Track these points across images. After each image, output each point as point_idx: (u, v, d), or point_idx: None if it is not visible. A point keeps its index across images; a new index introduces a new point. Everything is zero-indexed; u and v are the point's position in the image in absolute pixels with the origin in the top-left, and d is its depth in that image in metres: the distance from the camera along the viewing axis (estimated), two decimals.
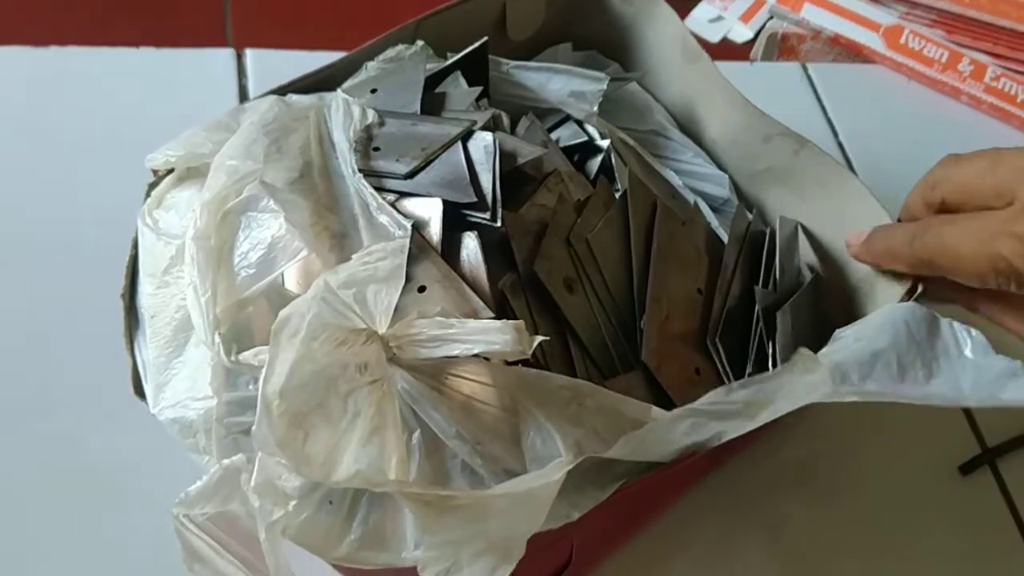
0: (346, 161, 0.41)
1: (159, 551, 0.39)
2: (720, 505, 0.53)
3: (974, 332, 0.41)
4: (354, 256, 0.35)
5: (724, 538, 0.52)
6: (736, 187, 0.56)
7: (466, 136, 0.45)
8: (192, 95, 0.65)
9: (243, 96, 0.65)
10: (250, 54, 0.68)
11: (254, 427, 0.32)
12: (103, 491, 0.48)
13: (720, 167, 0.57)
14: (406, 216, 0.40)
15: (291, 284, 0.40)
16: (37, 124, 0.62)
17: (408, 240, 0.37)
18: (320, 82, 0.50)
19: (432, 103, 0.49)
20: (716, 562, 0.52)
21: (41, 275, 0.55)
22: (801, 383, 0.40)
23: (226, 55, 0.68)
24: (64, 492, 0.48)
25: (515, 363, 0.38)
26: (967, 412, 0.61)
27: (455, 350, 0.34)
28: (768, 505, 0.54)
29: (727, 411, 0.39)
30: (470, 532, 0.34)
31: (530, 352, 0.34)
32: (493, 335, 0.33)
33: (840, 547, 0.54)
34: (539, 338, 0.34)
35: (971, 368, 0.39)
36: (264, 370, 0.32)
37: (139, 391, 0.41)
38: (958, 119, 0.78)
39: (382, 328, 0.34)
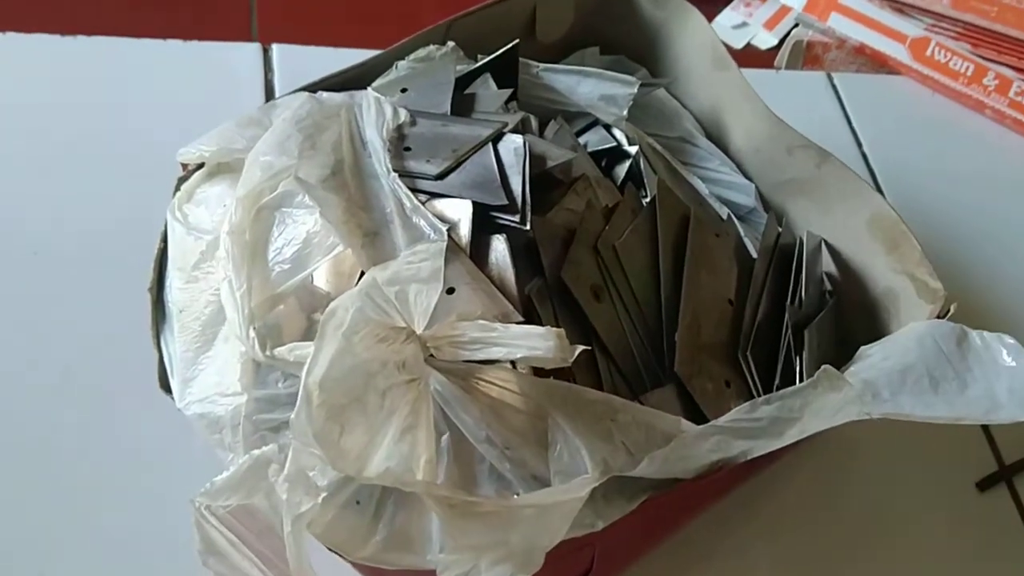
0: (380, 160, 0.41)
1: (174, 545, 0.39)
2: (741, 518, 0.53)
3: (1007, 338, 0.40)
4: (401, 254, 0.35)
5: (742, 551, 0.52)
6: (760, 196, 0.56)
7: (497, 138, 0.45)
8: (218, 89, 0.65)
9: (269, 91, 0.65)
10: (276, 49, 0.68)
11: (292, 416, 0.32)
12: (123, 484, 0.48)
13: (745, 176, 0.57)
14: (436, 217, 0.40)
15: (320, 282, 0.40)
16: (61, 114, 0.62)
17: (445, 243, 0.36)
18: (350, 80, 0.50)
19: (462, 104, 0.49)
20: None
21: (68, 268, 0.55)
22: (829, 401, 0.39)
23: (253, 49, 0.68)
24: (84, 484, 0.48)
25: (544, 373, 0.38)
26: (985, 429, 0.60)
27: (497, 354, 0.34)
28: (787, 519, 0.54)
29: (753, 429, 0.39)
30: (492, 539, 0.34)
31: (571, 361, 0.34)
32: (535, 341, 0.33)
33: (856, 560, 0.54)
34: (580, 347, 0.34)
35: (1007, 375, 0.39)
36: (308, 360, 0.32)
37: (165, 385, 0.41)
38: (982, 132, 0.77)
39: (420, 328, 0.34)
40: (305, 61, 0.67)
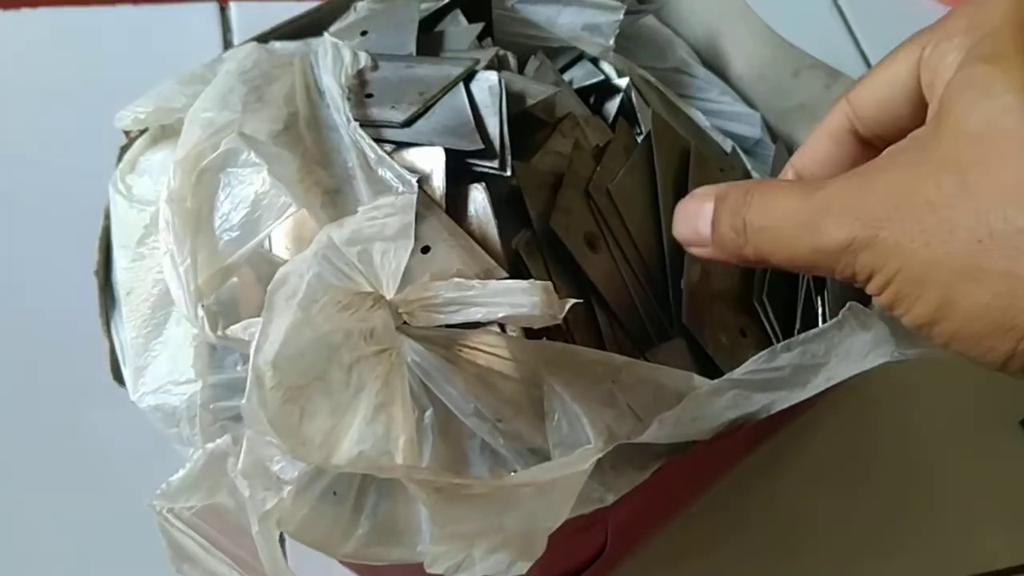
0: (338, 109, 0.36)
1: (146, 550, 0.35)
2: (764, 479, 0.49)
3: None
4: (360, 210, 0.31)
5: (769, 512, 0.48)
6: (766, 126, 0.52)
7: (468, 77, 0.40)
8: (174, 53, 0.60)
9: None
10: (234, 7, 0.63)
11: (243, 401, 0.28)
12: (84, 486, 0.44)
13: (748, 105, 0.52)
14: (405, 168, 0.36)
15: (279, 249, 0.36)
16: (5, 86, 0.58)
17: (415, 196, 0.32)
18: (305, 27, 0.45)
19: (429, 44, 0.44)
20: (770, 543, 0.48)
21: (8, 250, 0.51)
22: (857, 342, 0.35)
23: (210, 9, 0.63)
24: (43, 489, 0.44)
25: (536, 334, 0.34)
26: None
27: (476, 314, 0.30)
28: (814, 477, 0.50)
29: (774, 380, 0.35)
30: (486, 524, 0.30)
31: (561, 317, 0.30)
32: (519, 297, 0.29)
33: (898, 502, 0.50)
34: (571, 301, 0.30)
35: None
36: (256, 336, 0.27)
37: (117, 376, 0.37)
38: None
39: (389, 293, 0.29)
40: (266, 18, 0.61)
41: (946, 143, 0.25)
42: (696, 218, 0.31)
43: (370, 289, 0.30)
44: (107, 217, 0.39)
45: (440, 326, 0.31)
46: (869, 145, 0.32)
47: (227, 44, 0.61)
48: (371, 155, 0.36)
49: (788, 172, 0.35)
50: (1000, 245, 0.23)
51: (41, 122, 0.57)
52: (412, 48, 0.42)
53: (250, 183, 0.33)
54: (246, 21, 0.62)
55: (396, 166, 0.35)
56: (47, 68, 0.60)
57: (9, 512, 0.44)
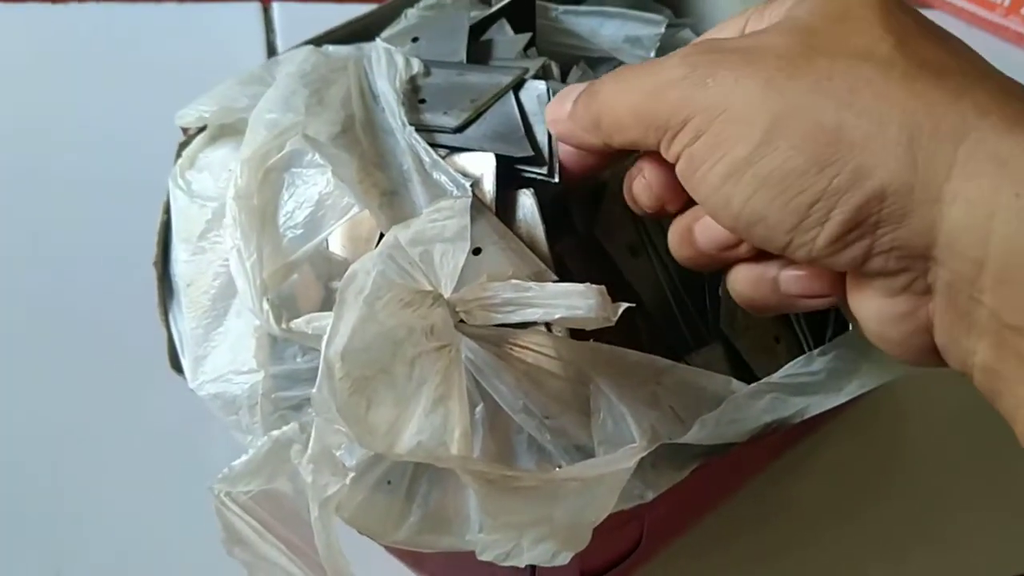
0: (394, 114, 0.38)
1: (197, 533, 0.37)
2: (790, 480, 0.50)
3: None
4: (424, 212, 0.32)
5: (795, 515, 0.49)
6: None
7: (518, 85, 0.42)
8: (217, 52, 0.62)
9: (271, 52, 0.62)
10: (277, 8, 0.65)
11: (314, 391, 0.30)
12: (139, 470, 0.46)
13: None
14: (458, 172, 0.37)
15: (336, 247, 0.37)
16: (57, 85, 0.60)
17: (470, 199, 0.33)
18: (356, 32, 0.47)
19: (477, 52, 0.46)
20: (790, 541, 0.49)
21: (69, 243, 0.53)
22: None
23: (253, 9, 0.64)
24: (99, 472, 0.46)
25: (582, 336, 0.35)
26: None
27: (533, 315, 0.31)
28: (842, 479, 0.51)
29: (810, 384, 0.36)
30: (535, 516, 0.32)
31: (615, 320, 0.31)
32: (575, 299, 0.30)
33: (916, 508, 0.51)
34: (624, 305, 0.31)
35: None
36: (328, 330, 0.29)
37: (176, 365, 0.38)
38: (1021, 67, 0.73)
39: (447, 291, 0.31)
40: (308, 19, 0.63)
41: (788, 25, 0.28)
42: (565, 96, 0.34)
43: (430, 288, 0.32)
44: (166, 211, 0.40)
45: (496, 325, 0.32)
46: None
47: (270, 44, 0.63)
48: (426, 159, 0.37)
49: None
50: (837, 86, 0.26)
51: (87, 118, 0.58)
52: (463, 55, 0.43)
53: (314, 183, 0.35)
54: (288, 21, 0.64)
55: (450, 170, 0.36)
56: (90, 64, 0.62)
57: (67, 493, 0.45)
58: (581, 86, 0.34)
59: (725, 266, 0.33)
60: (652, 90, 0.29)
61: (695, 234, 0.32)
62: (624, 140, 0.31)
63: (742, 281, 0.32)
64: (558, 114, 0.35)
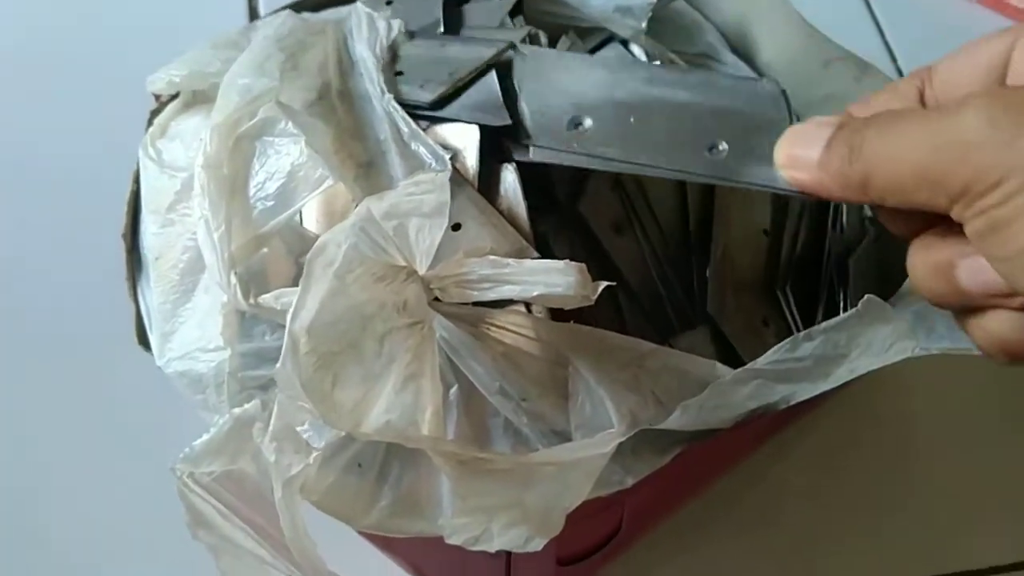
0: (373, 81, 0.36)
1: (163, 514, 0.36)
2: (772, 467, 0.49)
3: None
4: (400, 184, 0.31)
5: (772, 503, 0.49)
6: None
7: (500, 60, 0.40)
8: (197, 16, 0.60)
9: (253, 18, 0.60)
10: None
11: (278, 366, 0.28)
12: (104, 448, 0.45)
13: None
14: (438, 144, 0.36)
15: (310, 223, 0.36)
16: (28, 48, 0.58)
17: (450, 173, 0.32)
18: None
19: (455, 17, 0.44)
20: (775, 526, 0.48)
21: (34, 214, 0.51)
22: (878, 334, 0.35)
23: None
24: (63, 448, 0.45)
25: (562, 316, 0.34)
26: None
27: (510, 292, 0.30)
28: (822, 467, 0.50)
29: (796, 370, 0.35)
30: (506, 499, 0.31)
31: (594, 298, 0.30)
32: (554, 276, 0.29)
33: (899, 492, 0.50)
34: (603, 284, 0.30)
35: None
36: (294, 303, 0.28)
37: (143, 341, 0.37)
38: None
39: (422, 268, 0.30)
40: None
41: None
42: (808, 138, 0.29)
43: (404, 263, 0.30)
44: (136, 181, 0.39)
45: (471, 303, 0.31)
46: None
47: (252, 9, 0.61)
48: (404, 129, 0.36)
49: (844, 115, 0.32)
50: None
51: (65, 86, 0.56)
52: (439, 17, 0.42)
53: (287, 153, 0.33)
54: None
55: (430, 141, 0.35)
56: (70, 32, 0.60)
57: (30, 470, 0.44)
58: (820, 128, 0.29)
59: (980, 308, 0.29)
60: (944, 149, 0.26)
61: (958, 272, 0.28)
62: (902, 201, 0.27)
63: (1007, 328, 0.29)
64: (801, 160, 0.30)
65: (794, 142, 0.30)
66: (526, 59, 0.38)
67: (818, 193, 0.29)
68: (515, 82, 0.38)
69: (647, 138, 0.34)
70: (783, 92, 0.35)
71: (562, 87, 0.36)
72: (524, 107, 0.37)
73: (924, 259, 0.29)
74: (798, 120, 0.36)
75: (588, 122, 0.34)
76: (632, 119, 0.34)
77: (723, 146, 0.33)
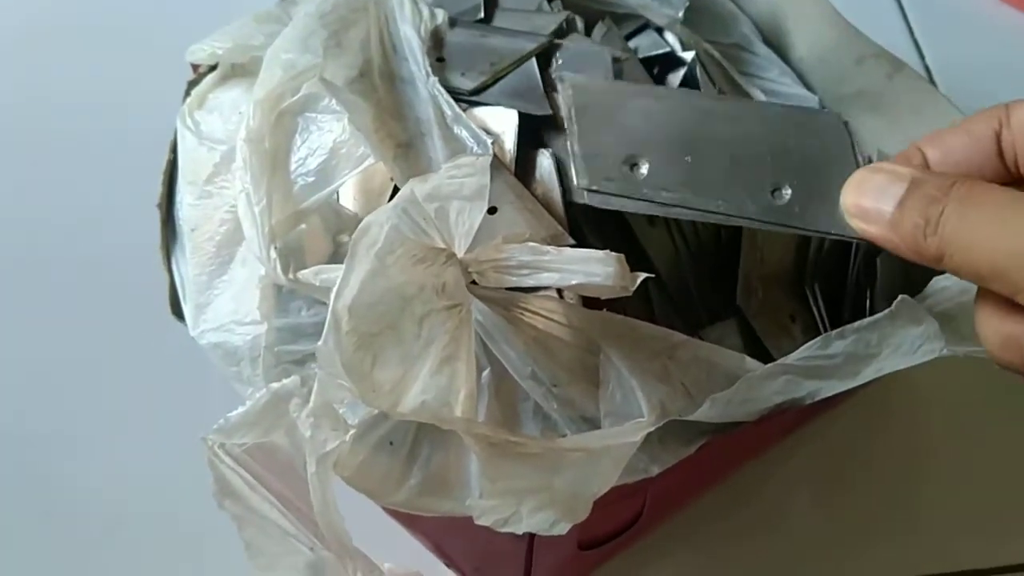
0: (418, 63, 0.36)
1: (191, 484, 0.36)
2: (789, 465, 0.49)
3: None
4: (443, 167, 0.31)
5: (785, 493, 0.49)
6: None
7: (541, 52, 0.40)
8: None
9: None
10: None
11: (319, 343, 0.29)
12: (132, 418, 0.45)
13: (807, 88, 0.52)
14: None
15: (347, 201, 0.36)
16: (63, 18, 0.58)
17: (491, 157, 0.32)
18: None
19: (494, 2, 0.44)
20: (785, 518, 0.48)
21: (68, 180, 0.51)
22: (909, 335, 0.36)
23: None
24: (90, 417, 0.45)
25: (595, 304, 0.34)
26: None
27: (548, 280, 0.30)
28: (835, 462, 0.51)
29: (826, 367, 0.35)
30: (536, 483, 0.31)
31: (632, 289, 0.30)
32: (593, 266, 0.29)
33: (910, 492, 0.50)
34: (642, 275, 0.30)
35: None
36: (338, 282, 0.28)
37: (177, 311, 0.37)
38: None
39: (461, 250, 0.30)
40: None
41: None
42: (879, 192, 0.28)
43: (443, 246, 0.31)
44: (173, 151, 0.39)
45: (508, 288, 0.31)
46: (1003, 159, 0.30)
47: None
48: (448, 112, 0.36)
49: (913, 151, 0.31)
50: None
51: (95, 52, 0.56)
52: (479, 3, 0.42)
53: (329, 130, 0.33)
54: None
55: (472, 125, 0.35)
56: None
57: (62, 436, 0.45)
58: (892, 182, 0.28)
59: None
60: None
61: None
62: (975, 282, 0.27)
63: None
64: (871, 215, 0.28)
65: (863, 192, 0.29)
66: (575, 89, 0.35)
67: (887, 248, 0.28)
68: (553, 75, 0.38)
69: (706, 180, 0.32)
70: (845, 124, 0.33)
71: (614, 120, 0.34)
72: (575, 145, 0.34)
73: (996, 328, 0.28)
74: (862, 158, 0.35)
75: (644, 165, 0.33)
76: (688, 158, 0.32)
77: (787, 190, 0.32)
